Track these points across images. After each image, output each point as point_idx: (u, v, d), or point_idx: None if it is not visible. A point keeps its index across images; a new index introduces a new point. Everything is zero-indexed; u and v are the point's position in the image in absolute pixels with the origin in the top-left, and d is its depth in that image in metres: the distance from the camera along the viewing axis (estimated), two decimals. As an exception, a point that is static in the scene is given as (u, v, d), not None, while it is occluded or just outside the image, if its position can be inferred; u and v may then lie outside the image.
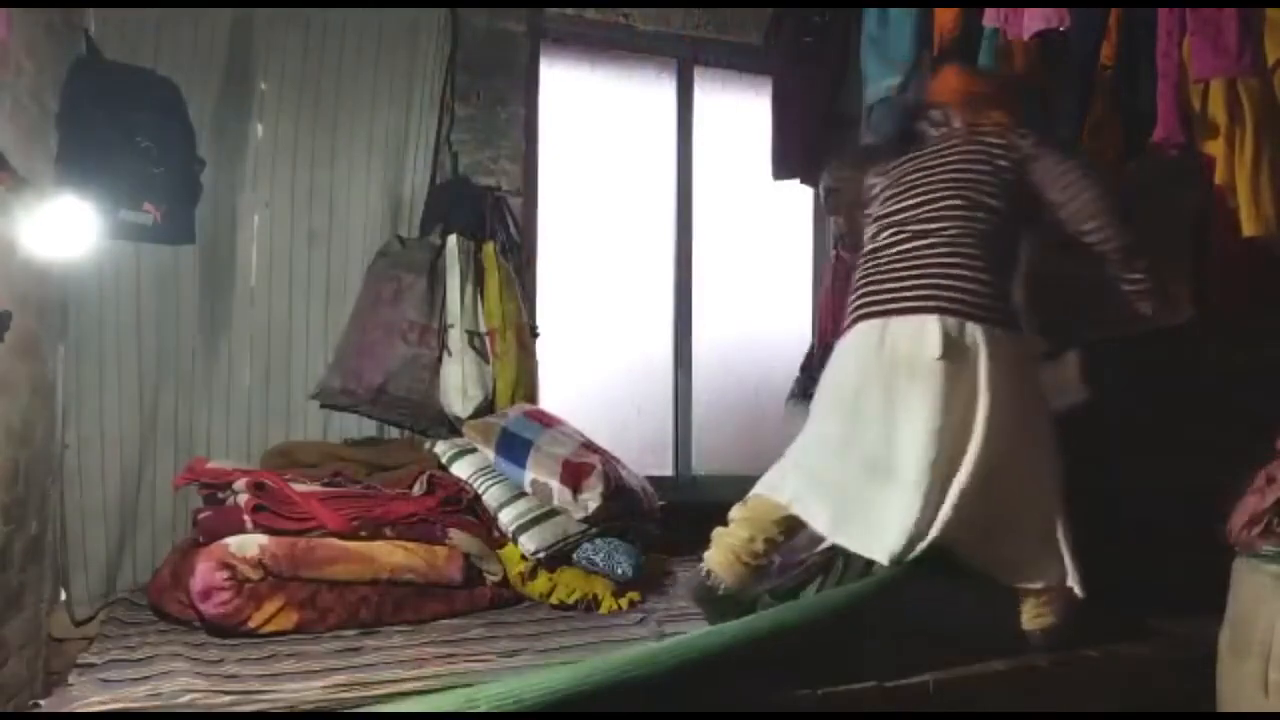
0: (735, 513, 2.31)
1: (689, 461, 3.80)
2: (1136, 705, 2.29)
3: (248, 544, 2.32)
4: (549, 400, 3.28)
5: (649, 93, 3.85)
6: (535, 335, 3.34)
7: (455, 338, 3.10)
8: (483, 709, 1.56)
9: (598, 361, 3.73)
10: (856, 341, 2.23)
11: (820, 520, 2.19)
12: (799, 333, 4.01)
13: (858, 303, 2.28)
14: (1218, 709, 2.24)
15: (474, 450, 2.94)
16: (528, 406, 3.10)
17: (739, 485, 3.74)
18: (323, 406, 3.13)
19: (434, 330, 3.10)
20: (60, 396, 2.86)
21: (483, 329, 3.14)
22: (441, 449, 2.98)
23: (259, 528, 2.38)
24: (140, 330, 2.97)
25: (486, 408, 3.09)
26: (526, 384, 3.20)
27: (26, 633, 2.60)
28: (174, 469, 2.95)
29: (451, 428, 3.15)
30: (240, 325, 3.09)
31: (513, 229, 3.37)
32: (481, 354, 3.11)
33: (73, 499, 2.87)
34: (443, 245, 3.18)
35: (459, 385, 3.06)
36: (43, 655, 2.77)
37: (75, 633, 2.82)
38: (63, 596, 2.85)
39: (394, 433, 3.24)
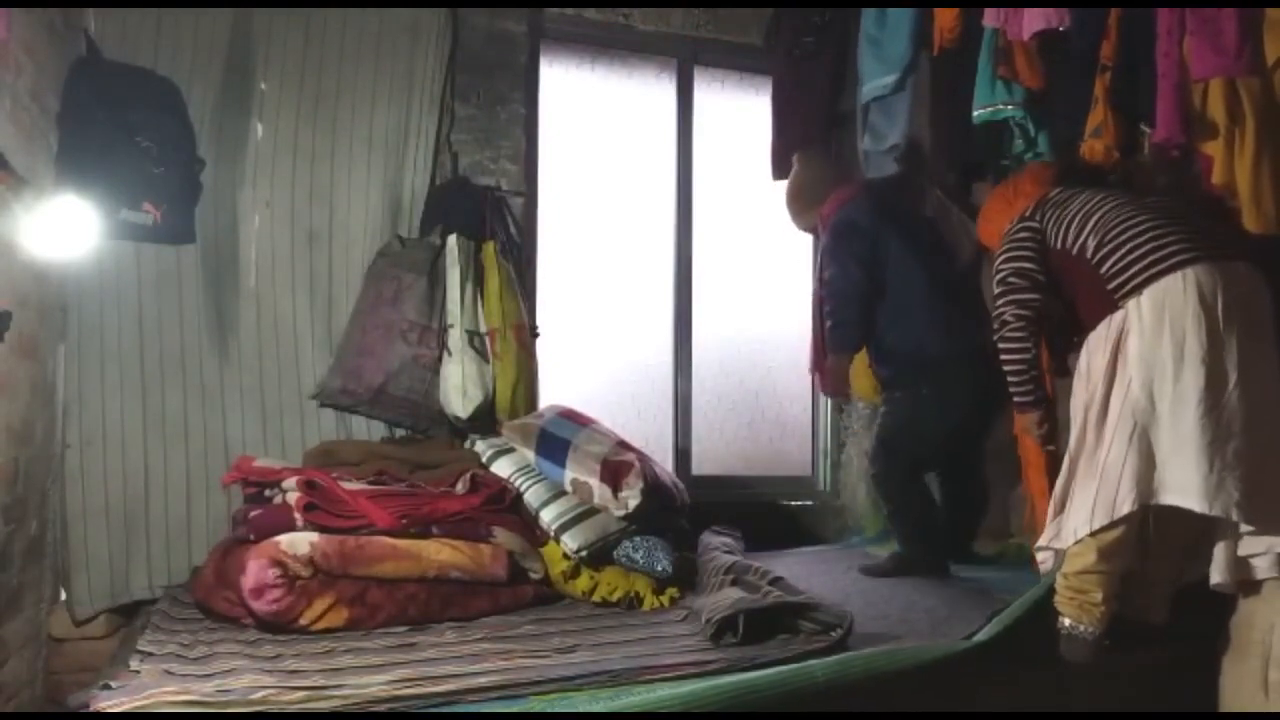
0: (1079, 564, 2.15)
1: (689, 462, 3.79)
2: (1137, 705, 2.29)
3: (298, 542, 2.33)
4: (549, 401, 3.28)
5: (649, 93, 3.85)
6: (535, 335, 3.34)
7: (455, 338, 3.10)
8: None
9: (598, 362, 3.73)
10: (1159, 303, 2.08)
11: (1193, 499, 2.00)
12: (798, 334, 4.01)
13: (1139, 262, 2.13)
14: (1218, 709, 2.24)
15: (512, 450, 2.96)
16: (562, 406, 3.13)
17: (739, 486, 3.78)
18: (322, 406, 3.13)
19: (434, 330, 3.11)
20: (60, 396, 2.85)
21: (483, 329, 3.14)
22: (481, 448, 3.01)
23: (310, 525, 2.39)
24: (141, 330, 2.97)
25: (486, 408, 3.09)
26: (526, 384, 3.21)
27: (26, 633, 2.60)
28: (177, 468, 2.97)
29: (451, 427, 3.15)
30: (240, 325, 3.08)
31: (513, 229, 3.37)
32: (481, 354, 3.11)
33: (73, 499, 2.87)
34: (443, 245, 3.18)
35: (459, 385, 3.06)
36: (42, 655, 2.76)
37: (75, 633, 2.81)
38: (63, 596, 2.85)
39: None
